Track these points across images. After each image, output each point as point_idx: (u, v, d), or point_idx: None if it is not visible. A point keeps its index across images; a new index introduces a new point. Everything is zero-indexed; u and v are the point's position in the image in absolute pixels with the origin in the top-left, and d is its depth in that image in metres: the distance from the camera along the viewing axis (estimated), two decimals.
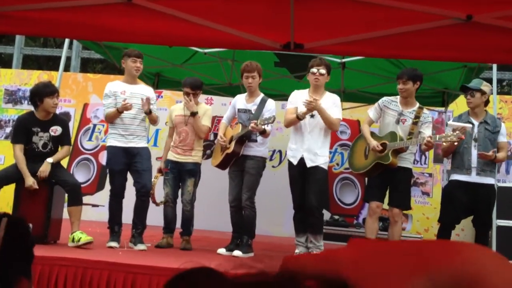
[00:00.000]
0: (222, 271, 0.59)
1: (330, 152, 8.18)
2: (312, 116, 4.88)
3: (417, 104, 4.95)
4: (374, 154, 4.79)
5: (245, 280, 0.52)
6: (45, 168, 4.78)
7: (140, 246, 4.94)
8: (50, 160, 4.82)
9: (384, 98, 5.03)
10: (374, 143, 4.78)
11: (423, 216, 8.15)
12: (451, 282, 0.39)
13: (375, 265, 0.41)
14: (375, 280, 0.41)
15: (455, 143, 4.71)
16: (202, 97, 7.90)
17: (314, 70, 4.89)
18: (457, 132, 4.56)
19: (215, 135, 7.99)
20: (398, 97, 4.98)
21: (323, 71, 4.88)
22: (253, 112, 5.18)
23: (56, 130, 4.93)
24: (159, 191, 5.47)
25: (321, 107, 4.77)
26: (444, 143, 4.87)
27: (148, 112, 5.10)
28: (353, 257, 0.43)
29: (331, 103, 4.90)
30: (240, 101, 5.37)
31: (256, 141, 5.17)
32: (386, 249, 0.43)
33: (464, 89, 5.00)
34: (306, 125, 4.91)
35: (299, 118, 4.83)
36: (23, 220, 1.46)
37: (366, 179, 5.22)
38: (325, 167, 4.91)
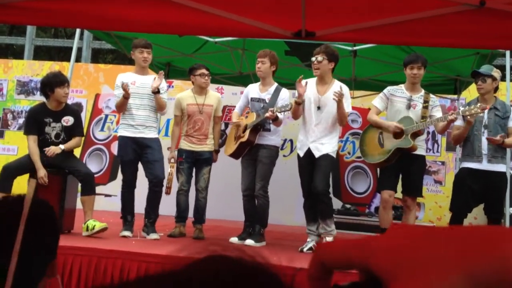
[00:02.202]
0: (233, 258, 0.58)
1: (341, 141, 8.17)
2: (318, 108, 4.85)
3: (423, 90, 4.93)
4: (391, 140, 4.75)
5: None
6: (54, 149, 4.81)
7: (153, 235, 4.98)
8: (62, 146, 4.86)
9: (389, 87, 4.99)
10: (393, 123, 4.73)
11: (435, 205, 8.12)
12: (494, 279, 0.36)
13: (409, 257, 0.38)
14: (408, 274, 0.38)
15: (467, 126, 4.68)
16: (212, 86, 7.92)
17: (313, 59, 4.85)
18: (479, 104, 4.56)
19: (226, 125, 8.00)
20: (402, 85, 4.94)
21: (320, 58, 4.79)
22: (267, 101, 5.17)
23: (68, 120, 4.96)
24: (174, 181, 5.48)
25: (342, 102, 4.70)
26: (456, 130, 4.84)
27: (156, 91, 5.06)
28: (386, 245, 0.40)
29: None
30: (254, 90, 5.36)
31: (269, 130, 5.17)
32: (425, 238, 0.39)
33: (475, 75, 4.94)
34: (312, 118, 4.87)
35: (297, 103, 4.80)
36: (48, 204, 1.48)
37: (378, 169, 5.16)
38: (333, 155, 4.87)
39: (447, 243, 0.38)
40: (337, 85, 4.87)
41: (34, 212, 1.32)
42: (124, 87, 4.90)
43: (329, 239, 4.72)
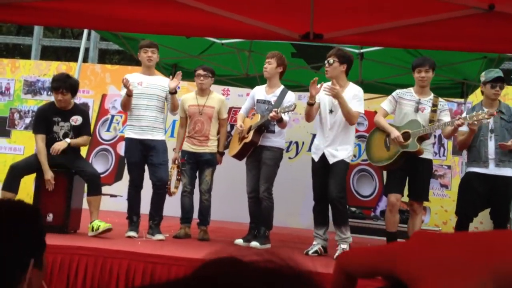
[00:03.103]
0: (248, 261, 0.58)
1: None
2: (331, 111, 4.82)
3: (432, 93, 4.91)
4: (397, 143, 4.73)
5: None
6: (61, 144, 4.82)
7: (158, 236, 4.98)
8: (68, 140, 4.88)
9: (398, 91, 4.97)
10: (396, 132, 4.70)
11: (441, 209, 8.09)
12: None
13: (435, 260, 0.39)
14: (434, 275, 0.38)
15: (472, 131, 4.65)
16: (218, 88, 7.94)
17: (325, 62, 4.85)
18: (487, 110, 4.53)
19: (232, 126, 8.01)
20: (411, 88, 4.93)
21: (331, 60, 4.77)
22: (272, 103, 5.16)
23: (76, 119, 4.98)
24: (173, 182, 5.48)
25: (343, 96, 4.66)
26: (461, 136, 4.82)
27: (174, 91, 5.07)
28: (411, 251, 0.41)
29: (351, 95, 4.77)
30: (260, 92, 5.36)
31: (273, 132, 5.16)
32: (448, 243, 0.40)
33: (498, 80, 4.82)
34: (327, 122, 4.82)
35: (310, 104, 4.78)
36: (33, 207, 1.45)
37: (385, 172, 5.13)
38: (348, 160, 4.80)
39: (471, 246, 0.38)
40: (352, 87, 4.84)
41: (15, 234, 1.32)
42: (125, 83, 4.90)
43: (344, 246, 4.68)
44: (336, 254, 4.60)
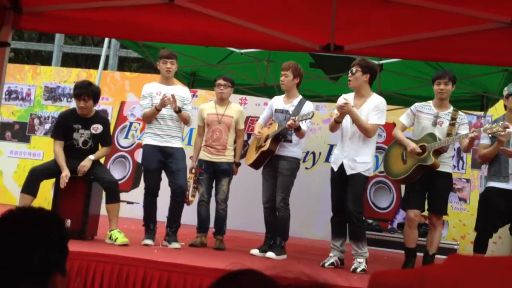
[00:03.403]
0: (270, 275, 0.58)
1: None
2: (353, 122, 4.76)
3: (451, 107, 4.86)
4: (413, 157, 4.68)
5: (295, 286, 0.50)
6: (86, 163, 4.86)
7: (175, 245, 4.99)
8: (92, 157, 4.91)
9: (416, 104, 4.92)
10: (413, 145, 4.66)
11: (459, 223, 8.00)
12: None
13: (470, 285, 0.38)
14: None
15: (497, 147, 4.59)
16: (236, 97, 7.97)
17: (349, 71, 4.83)
18: (502, 122, 4.46)
19: (249, 135, 8.02)
20: (431, 101, 4.88)
21: (354, 70, 4.73)
22: (290, 112, 5.16)
23: (97, 128, 5.02)
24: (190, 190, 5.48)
25: (353, 111, 4.61)
26: (483, 149, 4.76)
27: (178, 110, 5.11)
28: (445, 274, 0.40)
29: (372, 107, 4.72)
30: (278, 101, 5.36)
31: (290, 141, 5.15)
32: (483, 269, 0.39)
33: None
34: (348, 131, 4.78)
35: (336, 121, 4.77)
36: (57, 215, 1.47)
37: (403, 186, 5.07)
38: (366, 174, 4.72)
39: (507, 272, 0.38)
40: (374, 98, 4.79)
41: (40, 242, 1.34)
42: (166, 101, 4.94)
43: (360, 260, 4.63)
44: (353, 268, 4.56)
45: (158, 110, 5.05)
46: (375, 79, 6.86)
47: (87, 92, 4.91)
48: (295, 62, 5.25)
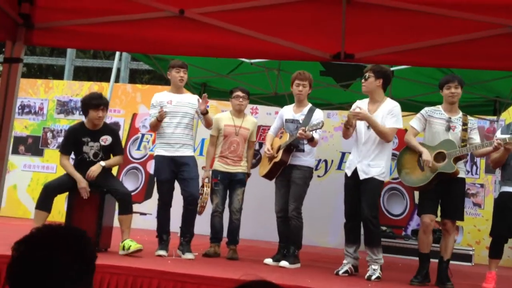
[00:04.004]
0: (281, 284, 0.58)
1: None
2: (368, 127, 4.76)
3: (460, 112, 4.83)
4: (433, 164, 4.63)
5: None
6: (95, 169, 4.89)
7: (188, 255, 4.99)
8: (102, 163, 4.94)
9: (427, 108, 4.88)
10: (428, 157, 4.59)
11: (474, 228, 7.92)
12: None
13: None
14: None
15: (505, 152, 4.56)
16: (247, 107, 7.98)
17: (362, 78, 4.84)
18: None
19: (261, 144, 8.02)
20: (440, 106, 4.85)
21: (367, 75, 4.78)
22: (300, 121, 5.17)
23: (106, 139, 5.05)
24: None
25: (370, 116, 4.65)
26: (495, 154, 4.73)
27: (205, 112, 5.14)
28: None
29: (386, 111, 4.74)
30: (288, 111, 5.37)
31: (303, 151, 5.15)
32: None
33: None
34: (362, 137, 4.79)
35: (346, 126, 4.78)
36: (85, 233, 1.49)
37: (417, 192, 5.03)
38: (380, 178, 4.72)
39: None
40: (388, 103, 4.80)
41: (69, 260, 1.36)
42: (162, 114, 5.00)
43: (375, 267, 4.59)
44: (367, 275, 4.53)
45: (159, 121, 5.09)
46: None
47: (103, 102, 4.99)
48: (309, 72, 5.27)
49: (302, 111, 5.26)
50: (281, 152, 5.14)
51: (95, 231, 4.79)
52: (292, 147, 5.13)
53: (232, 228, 5.47)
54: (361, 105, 4.79)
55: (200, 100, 5.22)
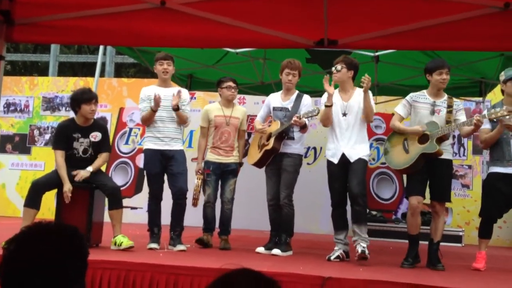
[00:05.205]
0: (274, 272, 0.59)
1: None
2: (344, 115, 4.88)
3: (446, 94, 4.87)
4: (416, 145, 4.68)
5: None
6: (83, 173, 4.85)
7: (180, 247, 4.99)
8: (90, 169, 4.90)
9: (411, 94, 4.94)
10: (417, 126, 4.70)
11: (463, 209, 8.00)
12: None
13: None
14: None
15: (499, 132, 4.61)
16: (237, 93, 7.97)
17: (333, 68, 4.95)
18: (505, 107, 4.47)
19: (249, 134, 8.02)
20: (425, 90, 4.89)
21: (339, 67, 4.90)
22: (289, 109, 5.19)
23: (96, 136, 5.02)
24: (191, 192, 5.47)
25: (369, 93, 4.79)
26: (484, 134, 4.76)
27: (176, 108, 5.11)
28: None
29: (361, 98, 4.83)
30: (275, 99, 5.37)
31: (293, 138, 5.17)
32: None
33: None
34: (341, 124, 4.88)
35: (328, 105, 4.84)
36: (77, 230, 1.48)
37: (405, 176, 5.08)
38: (366, 158, 4.88)
39: None
40: (359, 92, 4.88)
41: (62, 258, 1.36)
42: (157, 99, 4.96)
43: (364, 245, 4.60)
44: (360, 252, 4.54)
45: (154, 111, 5.06)
46: (373, 71, 6.94)
47: (96, 96, 4.99)
48: (298, 60, 5.28)
49: (290, 98, 5.27)
50: (272, 139, 5.14)
51: (85, 227, 4.77)
52: (284, 135, 5.14)
53: (224, 218, 5.48)
54: (330, 94, 4.88)
55: (175, 94, 5.17)
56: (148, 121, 5.17)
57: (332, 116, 4.91)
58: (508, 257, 5.77)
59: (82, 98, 4.91)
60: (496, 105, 4.98)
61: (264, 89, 7.73)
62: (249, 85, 7.75)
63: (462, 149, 8.12)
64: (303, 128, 5.11)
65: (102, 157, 5.07)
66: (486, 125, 4.80)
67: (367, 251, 4.57)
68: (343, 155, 4.82)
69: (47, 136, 9.22)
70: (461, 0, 2.91)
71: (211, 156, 5.56)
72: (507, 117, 4.43)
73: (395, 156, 4.84)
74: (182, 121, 5.25)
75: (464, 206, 7.99)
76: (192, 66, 7.30)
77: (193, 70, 7.56)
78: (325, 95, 4.97)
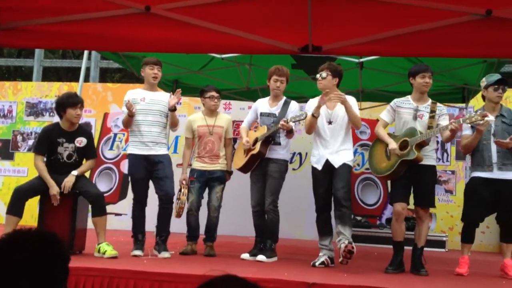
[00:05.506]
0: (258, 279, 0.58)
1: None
2: (330, 123, 4.90)
3: (429, 100, 4.92)
4: (397, 153, 4.72)
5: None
6: (69, 179, 4.82)
7: (164, 254, 4.96)
8: (75, 172, 4.87)
9: (395, 100, 4.99)
10: (393, 144, 4.72)
11: (447, 215, 8.06)
12: None
13: None
14: None
15: (477, 136, 4.67)
16: (220, 102, 7.96)
17: (317, 75, 4.96)
18: (479, 111, 4.53)
19: (235, 140, 8.01)
20: (409, 96, 4.94)
21: (324, 74, 4.90)
22: (277, 115, 5.20)
23: (81, 141, 4.98)
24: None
25: (347, 100, 4.78)
26: (465, 139, 4.82)
27: (173, 109, 5.10)
28: None
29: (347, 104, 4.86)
30: (263, 105, 5.38)
31: (279, 144, 5.18)
32: None
33: (501, 82, 4.85)
34: (326, 131, 4.91)
35: (315, 116, 4.84)
36: (56, 235, 1.47)
37: (389, 181, 5.11)
38: (351, 164, 4.90)
39: None
40: (347, 97, 4.89)
41: (41, 264, 1.34)
42: (128, 107, 4.94)
43: (346, 242, 4.58)
44: (345, 245, 4.54)
45: (130, 116, 5.03)
46: (357, 77, 6.98)
47: (81, 100, 4.97)
48: (286, 67, 5.29)
49: (278, 104, 5.29)
50: (259, 144, 5.15)
51: (68, 234, 4.73)
52: (271, 139, 5.15)
53: (210, 225, 5.45)
54: (315, 102, 4.88)
55: (172, 96, 5.17)
56: (126, 125, 5.16)
57: (316, 125, 4.93)
58: (491, 262, 5.81)
59: (68, 102, 4.88)
60: (477, 111, 5.04)
61: (250, 95, 7.73)
62: (235, 91, 7.75)
63: (445, 154, 8.19)
64: (290, 133, 5.12)
65: (88, 163, 5.04)
66: (467, 131, 4.86)
67: (350, 242, 4.55)
68: (327, 161, 4.84)
69: (31, 142, 9.12)
70: (444, 7, 2.94)
71: (196, 164, 5.54)
72: (481, 122, 4.47)
73: (378, 163, 4.89)
74: (174, 123, 5.24)
75: (447, 212, 8.05)
76: (178, 72, 7.28)
77: (179, 75, 7.54)
78: (311, 102, 4.98)
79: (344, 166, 4.82)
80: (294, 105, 5.27)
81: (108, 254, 4.61)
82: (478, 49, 3.42)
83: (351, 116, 4.81)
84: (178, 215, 5.37)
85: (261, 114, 5.33)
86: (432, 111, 4.80)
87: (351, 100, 4.91)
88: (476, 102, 7.50)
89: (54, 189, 4.74)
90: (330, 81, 4.91)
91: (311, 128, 4.95)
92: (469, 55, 4.44)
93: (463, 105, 7.40)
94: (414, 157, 4.61)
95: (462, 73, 6.66)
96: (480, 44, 3.28)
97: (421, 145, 4.69)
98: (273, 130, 5.07)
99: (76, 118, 4.92)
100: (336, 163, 4.82)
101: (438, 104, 4.91)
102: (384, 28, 3.08)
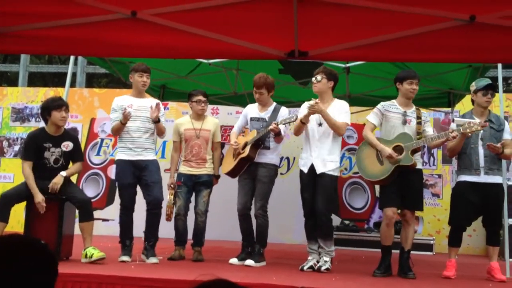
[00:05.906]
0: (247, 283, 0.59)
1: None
2: (320, 124, 4.90)
3: (414, 105, 4.96)
4: (391, 161, 4.73)
5: None
6: (57, 181, 4.80)
7: (152, 259, 4.94)
8: (63, 173, 4.85)
9: (382, 103, 5.01)
10: (388, 150, 4.72)
11: (434, 218, 8.11)
12: None
13: None
14: None
15: (462, 140, 4.72)
16: (208, 107, 7.96)
17: (313, 79, 4.96)
18: (479, 121, 4.60)
19: (223, 145, 8.00)
20: (394, 100, 4.97)
21: (319, 77, 4.92)
22: (266, 120, 5.21)
23: (67, 145, 4.96)
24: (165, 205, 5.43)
25: (324, 110, 4.78)
26: (451, 143, 4.86)
27: (157, 121, 5.10)
28: None
29: (337, 109, 4.90)
30: (253, 110, 5.39)
31: (268, 148, 5.19)
32: None
33: (490, 87, 4.91)
34: (315, 134, 4.92)
35: (303, 122, 4.85)
36: (39, 241, 1.46)
37: (377, 186, 5.14)
38: (335, 173, 4.88)
39: None
40: (337, 103, 4.94)
41: (28, 271, 1.33)
42: (126, 115, 4.92)
43: (326, 259, 4.74)
44: (318, 266, 4.65)
45: (123, 124, 5.03)
46: (344, 82, 7.01)
47: (66, 103, 4.95)
48: (266, 76, 5.27)
49: (268, 109, 5.31)
50: (248, 147, 5.15)
51: (55, 240, 4.70)
52: (260, 143, 5.16)
53: (197, 230, 5.44)
54: (315, 99, 4.89)
55: (154, 107, 5.16)
56: (117, 132, 5.14)
57: (303, 130, 4.95)
58: (478, 265, 5.86)
59: (53, 105, 4.87)
60: (465, 114, 5.10)
61: (237, 100, 7.74)
62: (222, 96, 7.75)
63: (431, 158, 8.25)
64: (278, 135, 5.11)
65: (76, 165, 5.03)
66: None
67: (325, 267, 4.66)
68: (312, 165, 4.86)
69: (17, 148, 9.04)
70: (428, 13, 2.97)
71: (183, 169, 5.53)
72: (482, 131, 4.56)
73: (370, 167, 4.86)
74: (160, 133, 5.27)
75: (434, 215, 8.10)
76: (165, 77, 7.27)
77: (166, 80, 7.53)
78: (305, 105, 4.93)
79: (329, 177, 4.82)
80: (284, 111, 5.28)
81: (96, 256, 4.60)
82: (463, 54, 3.46)
83: (329, 124, 4.82)
84: (169, 218, 5.37)
85: (251, 119, 5.34)
86: (419, 117, 4.86)
87: (341, 106, 4.92)
88: (462, 106, 7.57)
89: (38, 197, 4.70)
90: (325, 84, 4.92)
91: (299, 132, 4.99)
92: (454, 60, 4.50)
93: (449, 109, 7.46)
94: (412, 163, 4.65)
95: (448, 78, 6.72)
96: (465, 49, 3.32)
97: (415, 151, 4.74)
98: (263, 133, 5.07)
99: (62, 121, 4.90)
100: (319, 169, 4.82)
101: (422, 110, 4.99)
102: (370, 33, 3.10)
